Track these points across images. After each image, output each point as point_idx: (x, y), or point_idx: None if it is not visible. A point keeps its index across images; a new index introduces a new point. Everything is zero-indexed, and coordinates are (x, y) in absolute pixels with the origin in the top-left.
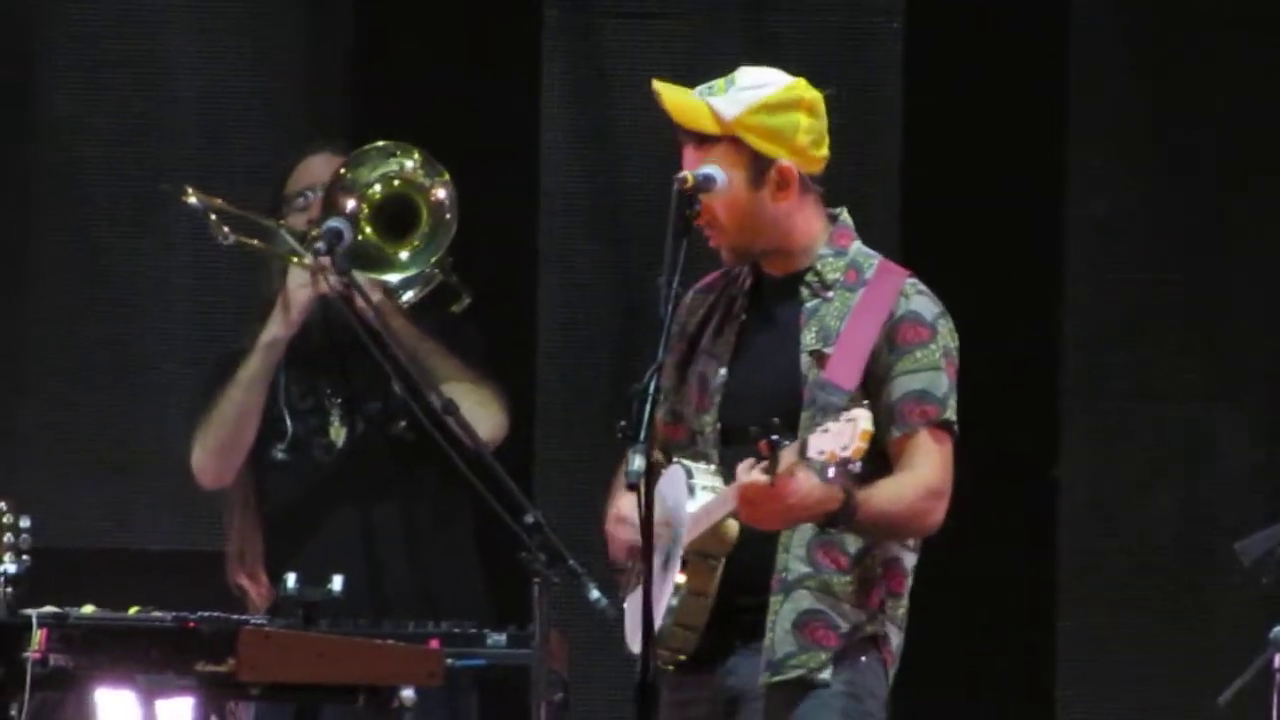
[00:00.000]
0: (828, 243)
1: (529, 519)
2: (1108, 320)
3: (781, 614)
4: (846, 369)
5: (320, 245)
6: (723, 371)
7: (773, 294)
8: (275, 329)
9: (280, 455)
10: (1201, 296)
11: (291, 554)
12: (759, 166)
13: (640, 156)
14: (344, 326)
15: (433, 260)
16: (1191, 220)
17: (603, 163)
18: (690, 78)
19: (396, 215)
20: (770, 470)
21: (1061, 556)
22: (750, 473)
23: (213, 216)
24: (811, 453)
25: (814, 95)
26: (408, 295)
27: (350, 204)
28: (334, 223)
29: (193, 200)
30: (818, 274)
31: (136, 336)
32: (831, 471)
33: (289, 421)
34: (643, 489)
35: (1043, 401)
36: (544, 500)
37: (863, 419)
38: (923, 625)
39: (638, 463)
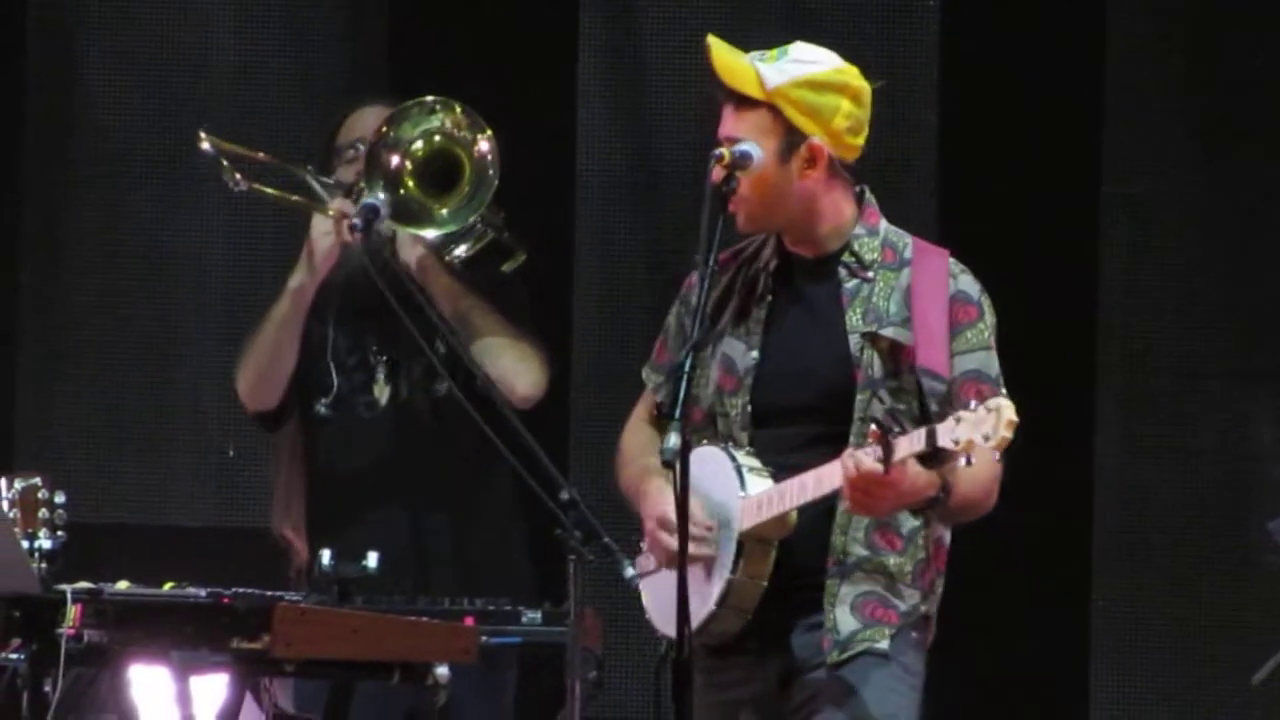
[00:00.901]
0: (860, 222)
1: (564, 496)
2: (1144, 299)
3: (840, 595)
4: (938, 354)
5: (356, 222)
6: (753, 354)
7: (804, 275)
8: (300, 276)
9: (324, 410)
10: (1238, 275)
11: (332, 510)
12: (791, 140)
13: (677, 133)
14: (390, 283)
15: (473, 217)
16: (1229, 198)
17: (639, 140)
18: None
19: (440, 171)
20: (885, 459)
21: (1096, 535)
22: (866, 460)
23: (224, 162)
24: (944, 441)
25: (862, 85)
26: (460, 250)
27: (394, 161)
28: (370, 199)
29: (205, 146)
30: (855, 254)
31: (172, 313)
32: (965, 460)
33: (334, 376)
34: (678, 466)
35: (1079, 381)
36: (579, 478)
37: (1006, 407)
38: (957, 603)
39: (673, 440)
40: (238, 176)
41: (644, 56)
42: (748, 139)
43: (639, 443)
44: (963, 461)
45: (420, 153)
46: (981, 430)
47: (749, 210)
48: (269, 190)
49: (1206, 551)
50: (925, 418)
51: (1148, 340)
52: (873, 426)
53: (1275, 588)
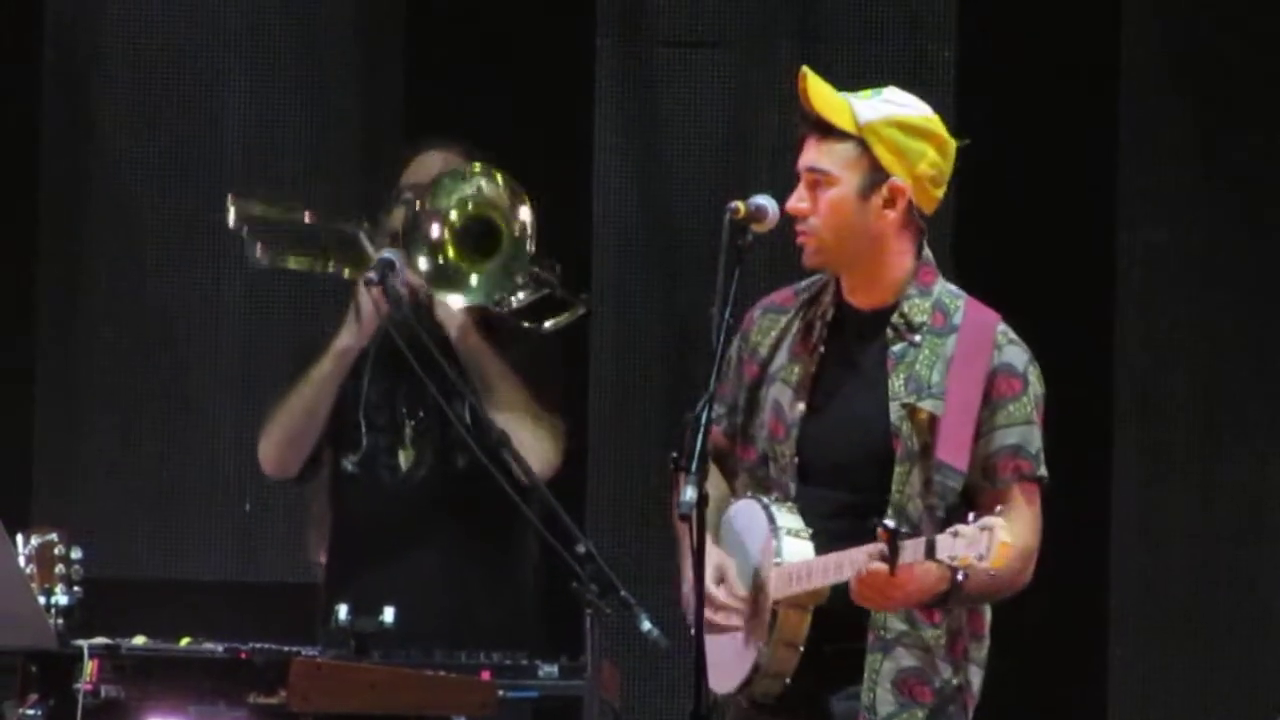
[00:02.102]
0: (915, 280)
1: (580, 549)
2: (1160, 349)
3: (882, 672)
4: (959, 446)
5: (372, 275)
6: (801, 406)
7: (855, 330)
8: (346, 338)
9: (351, 467)
10: (1255, 323)
11: (351, 566)
12: (875, 177)
13: (692, 185)
14: (415, 340)
15: (503, 289)
16: (1246, 245)
17: (655, 192)
18: (742, 107)
19: (479, 235)
20: (891, 561)
21: (1114, 584)
22: (872, 562)
23: (244, 230)
24: (941, 555)
25: (948, 137)
26: (518, 297)
27: (434, 229)
28: (386, 253)
29: (231, 215)
30: (904, 315)
31: (188, 369)
32: (962, 575)
33: (364, 434)
34: (695, 519)
35: (1096, 430)
36: (596, 530)
37: (999, 529)
38: None
39: (689, 494)
40: (259, 249)
41: (659, 109)
42: (831, 169)
43: None
44: (960, 576)
45: (458, 221)
46: (975, 550)
47: (819, 242)
48: (292, 264)
49: (1226, 601)
50: (963, 492)
51: (1165, 389)
52: (880, 528)
53: None
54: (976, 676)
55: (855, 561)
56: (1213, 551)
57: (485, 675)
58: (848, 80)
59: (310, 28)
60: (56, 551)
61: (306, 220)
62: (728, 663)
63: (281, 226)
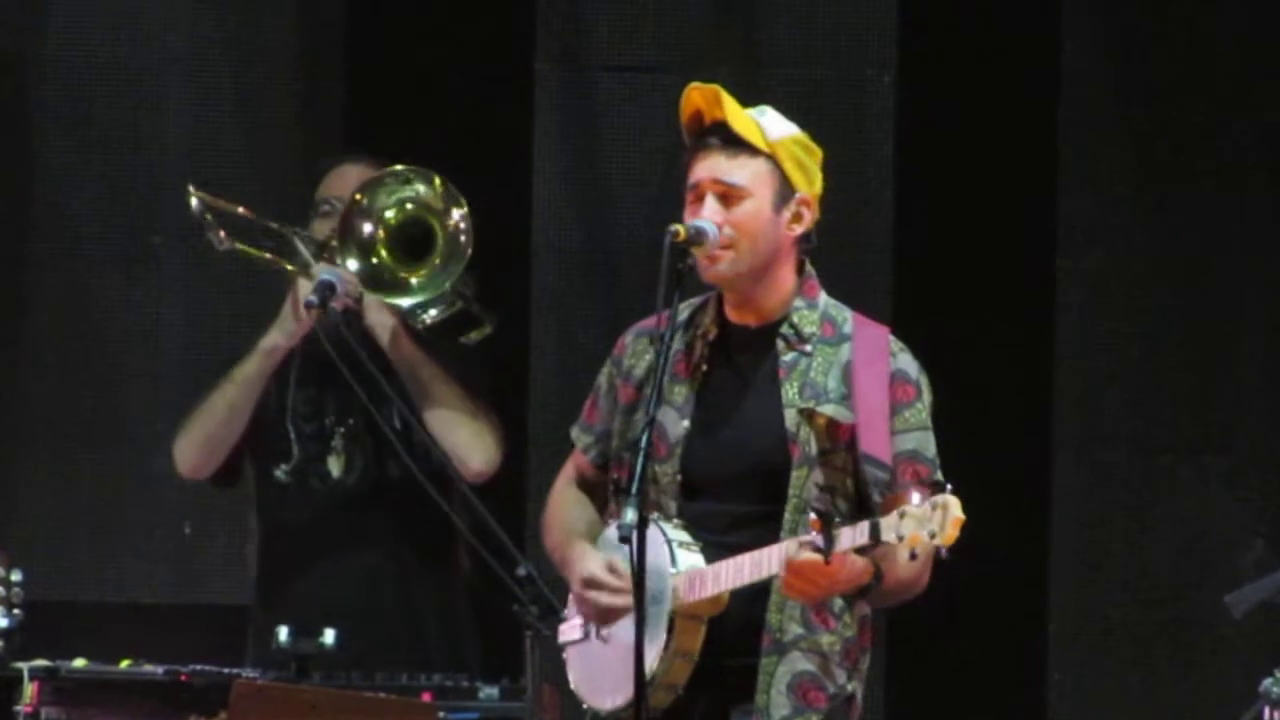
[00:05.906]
0: (799, 294)
1: (521, 571)
2: (1099, 372)
3: (777, 675)
4: (879, 439)
5: (312, 299)
6: (684, 423)
7: (742, 345)
8: (277, 336)
9: (284, 476)
10: (1192, 348)
11: (282, 574)
12: (784, 193)
13: (633, 209)
14: (346, 351)
15: (445, 287)
16: (1183, 272)
17: (595, 215)
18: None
19: (413, 239)
20: (826, 549)
21: (1053, 609)
22: (802, 551)
23: (208, 216)
24: (887, 536)
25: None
26: (430, 314)
27: (367, 229)
28: (327, 275)
29: (194, 202)
30: (793, 326)
31: (128, 390)
32: (907, 554)
33: (294, 443)
34: (635, 541)
35: (1035, 455)
36: (536, 552)
37: (954, 505)
38: (916, 677)
39: (630, 515)
40: (222, 234)
41: (600, 132)
42: (746, 183)
43: (564, 504)
44: (906, 555)
45: (393, 221)
46: (928, 527)
47: (737, 255)
48: (252, 251)
49: (1163, 625)
50: (859, 495)
51: (1103, 415)
52: (813, 515)
53: (1231, 660)
54: (860, 689)
55: (775, 557)
56: (1151, 576)
57: (426, 697)
58: (788, 99)
59: (250, 50)
60: None
61: (241, 213)
62: (607, 676)
63: (228, 218)
